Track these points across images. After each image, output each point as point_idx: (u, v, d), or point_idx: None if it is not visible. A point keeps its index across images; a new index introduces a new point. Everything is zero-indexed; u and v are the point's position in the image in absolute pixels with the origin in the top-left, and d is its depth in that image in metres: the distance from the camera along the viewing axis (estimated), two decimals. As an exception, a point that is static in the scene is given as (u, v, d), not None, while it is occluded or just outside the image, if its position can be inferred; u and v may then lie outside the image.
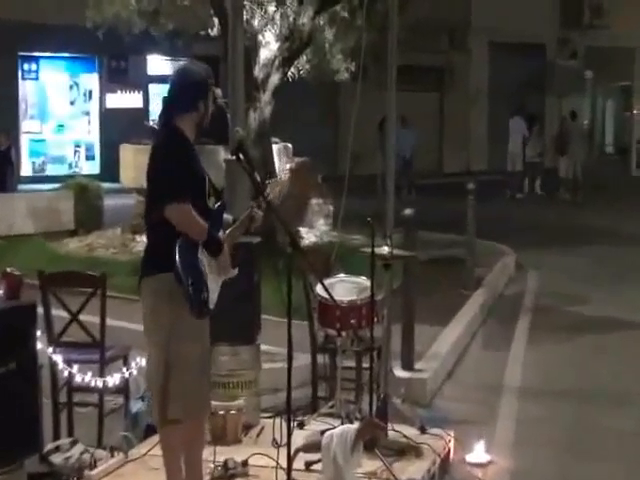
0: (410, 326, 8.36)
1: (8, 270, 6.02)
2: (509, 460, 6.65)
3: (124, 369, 6.65)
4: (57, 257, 13.20)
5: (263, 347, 6.92)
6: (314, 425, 6.35)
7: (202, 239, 4.91)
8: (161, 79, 27.89)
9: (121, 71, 27.08)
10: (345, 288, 6.69)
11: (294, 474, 5.02)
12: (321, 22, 13.42)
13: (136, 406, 6.46)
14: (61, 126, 26.69)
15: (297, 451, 5.54)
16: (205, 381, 5.10)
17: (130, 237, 14.29)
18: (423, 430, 6.46)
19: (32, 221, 15.18)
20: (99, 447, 6.06)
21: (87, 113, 27.20)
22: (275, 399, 7.05)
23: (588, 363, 9.38)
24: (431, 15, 25.05)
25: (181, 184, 4.84)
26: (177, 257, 4.81)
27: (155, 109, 27.25)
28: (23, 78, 26.07)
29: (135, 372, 6.67)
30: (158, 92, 27.96)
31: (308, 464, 5.72)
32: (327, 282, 6.27)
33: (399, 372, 7.93)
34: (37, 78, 26.39)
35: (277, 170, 13.83)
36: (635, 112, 36.58)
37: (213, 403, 5.66)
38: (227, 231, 5.11)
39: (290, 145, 16.43)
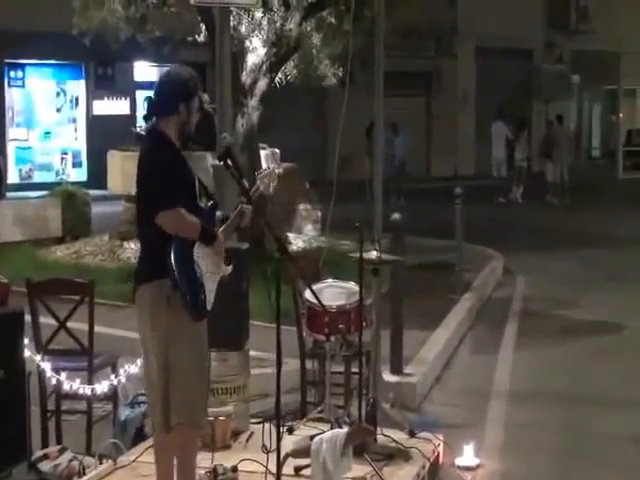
0: (399, 331, 8.37)
1: (-5, 278, 6.00)
2: (498, 464, 6.66)
3: (112, 376, 6.63)
4: (45, 264, 13.16)
5: (252, 353, 6.91)
6: (303, 430, 6.34)
7: (196, 236, 4.92)
8: (148, 85, 27.89)
9: (108, 78, 27.05)
10: (334, 293, 6.69)
11: (283, 479, 5.01)
12: (308, 27, 13.42)
13: (124, 413, 6.44)
14: (48, 133, 26.64)
15: (286, 456, 5.53)
16: (205, 386, 5.11)
17: (118, 244, 14.26)
18: (412, 434, 6.46)
19: (19, 229, 15.13)
20: (88, 454, 6.05)
21: (74, 120, 27.15)
22: (264, 404, 7.04)
23: (577, 367, 9.40)
24: (418, 20, 25.09)
25: (168, 190, 4.85)
26: (172, 262, 4.82)
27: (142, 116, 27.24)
28: (9, 85, 26.02)
29: (123, 379, 6.66)
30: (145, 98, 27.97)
31: (297, 469, 5.72)
32: (315, 287, 6.26)
33: (388, 376, 7.94)
34: (23, 85, 26.34)
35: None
36: (621, 116, 36.75)
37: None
38: (221, 229, 5.12)
39: (278, 150, 16.42)
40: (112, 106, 27.13)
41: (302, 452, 5.74)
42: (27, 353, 6.05)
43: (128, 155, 17.21)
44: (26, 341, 6.00)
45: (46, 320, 6.58)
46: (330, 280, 6.94)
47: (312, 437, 5.80)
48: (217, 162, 5.29)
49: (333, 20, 13.45)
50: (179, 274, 4.83)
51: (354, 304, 6.52)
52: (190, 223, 4.90)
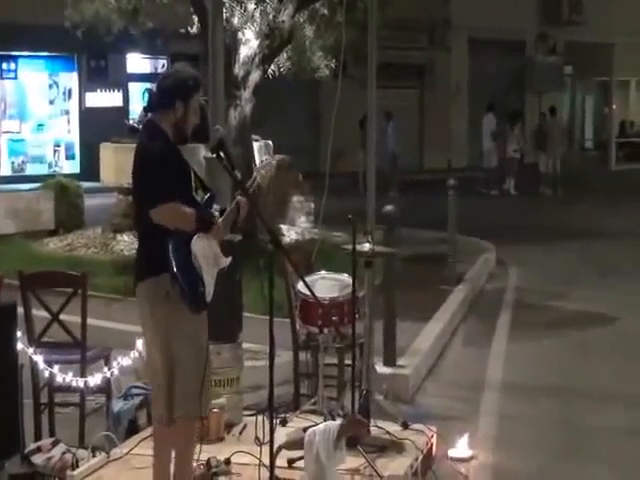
0: (392, 322, 8.37)
1: (-13, 270, 5.99)
2: (491, 455, 6.68)
3: (105, 369, 6.63)
4: (37, 257, 13.14)
5: (245, 345, 6.91)
6: (296, 422, 6.34)
7: (191, 226, 4.93)
8: (141, 77, 27.87)
9: (100, 70, 26.98)
10: (327, 285, 6.69)
11: (277, 471, 5.03)
12: (301, 19, 13.40)
13: (118, 406, 6.44)
14: (41, 125, 26.57)
15: (280, 448, 5.54)
16: (206, 379, 5.12)
17: (111, 236, 14.24)
18: (405, 426, 6.47)
19: (12, 221, 15.10)
20: (81, 447, 6.03)
21: (67, 112, 27.07)
22: (257, 397, 7.04)
23: (569, 359, 9.41)
24: (411, 12, 25.08)
25: (163, 183, 4.87)
26: (171, 256, 4.85)
27: (135, 108, 27.19)
28: (2, 77, 25.92)
29: (116, 372, 6.66)
30: (138, 91, 27.92)
31: (291, 461, 5.73)
32: (308, 279, 6.26)
33: (381, 368, 7.94)
34: (16, 77, 26.25)
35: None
36: (614, 107, 36.78)
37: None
38: (218, 221, 5.12)
39: (271, 142, 16.42)
40: (105, 98, 27.07)
41: (295, 444, 5.74)
42: (20, 346, 6.04)
43: (121, 147, 17.24)
44: (19, 334, 5.98)
45: (39, 313, 6.58)
46: (323, 272, 6.94)
47: (305, 429, 5.81)
48: (210, 155, 5.29)
49: (326, 12, 13.44)
50: (177, 268, 4.85)
51: (347, 296, 6.52)
52: (185, 214, 4.92)
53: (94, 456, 5.78)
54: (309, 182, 15.83)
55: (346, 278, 6.68)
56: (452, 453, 6.48)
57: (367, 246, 6.48)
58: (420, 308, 10.27)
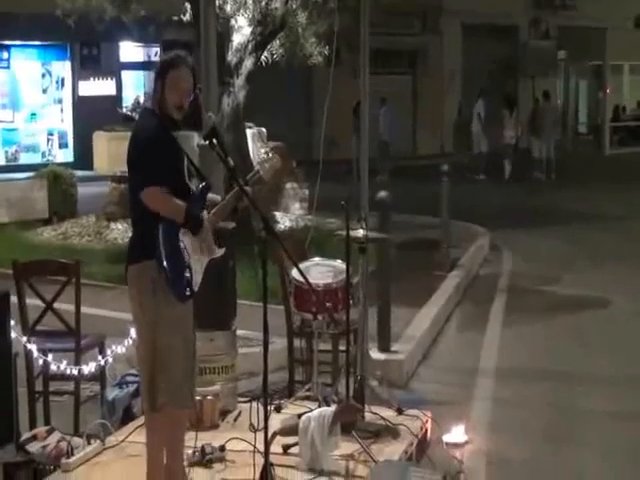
0: (386, 308, 8.38)
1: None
2: (486, 440, 6.69)
3: (100, 357, 6.64)
4: (31, 246, 13.14)
5: (239, 332, 6.92)
6: (291, 409, 6.36)
7: (180, 219, 4.91)
8: (134, 66, 27.81)
9: (93, 58, 26.92)
10: (320, 272, 6.70)
11: (271, 458, 5.03)
12: (294, 6, 13.37)
13: (112, 393, 6.45)
14: (34, 114, 26.51)
15: (274, 435, 5.55)
16: (191, 369, 5.11)
17: (104, 225, 14.25)
18: (400, 411, 6.49)
19: (6, 210, 15.10)
20: (76, 435, 6.04)
21: (60, 101, 27.02)
22: (252, 383, 7.06)
23: (563, 344, 9.43)
24: (403, -2, 25.02)
25: (151, 168, 4.86)
26: (159, 243, 4.84)
27: (128, 96, 27.13)
28: (-6, 67, 25.90)
29: (111, 360, 6.67)
30: (131, 79, 27.86)
31: (285, 447, 5.74)
32: (302, 266, 6.27)
33: (375, 354, 7.96)
34: (8, 67, 26.17)
35: (251, 154, 13.79)
36: (608, 91, 36.76)
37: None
38: (213, 210, 5.12)
39: (264, 130, 16.39)
40: (98, 87, 27.01)
41: (290, 430, 5.76)
42: (14, 335, 6.04)
43: (114, 136, 17.21)
44: (12, 323, 5.98)
45: (32, 301, 6.57)
46: (317, 259, 6.96)
47: (300, 415, 5.83)
48: (203, 142, 5.27)
49: (318, -2, 13.40)
50: (165, 255, 4.84)
51: (341, 282, 6.54)
52: (170, 202, 4.90)
53: (89, 444, 5.79)
54: (303, 169, 15.83)
55: (340, 264, 6.69)
56: (447, 438, 6.49)
57: (361, 232, 6.49)
58: (414, 293, 10.28)
